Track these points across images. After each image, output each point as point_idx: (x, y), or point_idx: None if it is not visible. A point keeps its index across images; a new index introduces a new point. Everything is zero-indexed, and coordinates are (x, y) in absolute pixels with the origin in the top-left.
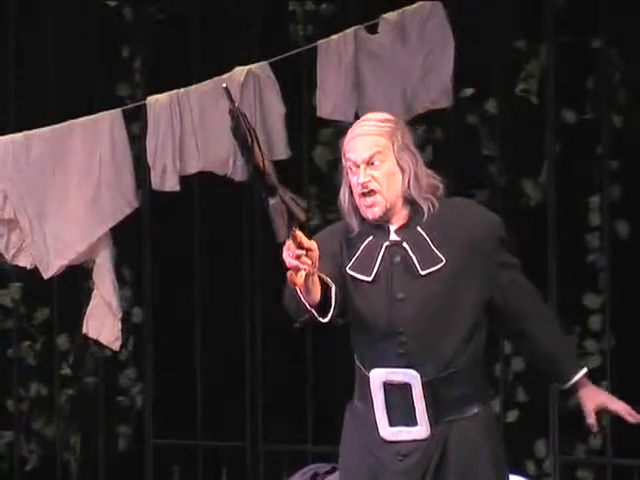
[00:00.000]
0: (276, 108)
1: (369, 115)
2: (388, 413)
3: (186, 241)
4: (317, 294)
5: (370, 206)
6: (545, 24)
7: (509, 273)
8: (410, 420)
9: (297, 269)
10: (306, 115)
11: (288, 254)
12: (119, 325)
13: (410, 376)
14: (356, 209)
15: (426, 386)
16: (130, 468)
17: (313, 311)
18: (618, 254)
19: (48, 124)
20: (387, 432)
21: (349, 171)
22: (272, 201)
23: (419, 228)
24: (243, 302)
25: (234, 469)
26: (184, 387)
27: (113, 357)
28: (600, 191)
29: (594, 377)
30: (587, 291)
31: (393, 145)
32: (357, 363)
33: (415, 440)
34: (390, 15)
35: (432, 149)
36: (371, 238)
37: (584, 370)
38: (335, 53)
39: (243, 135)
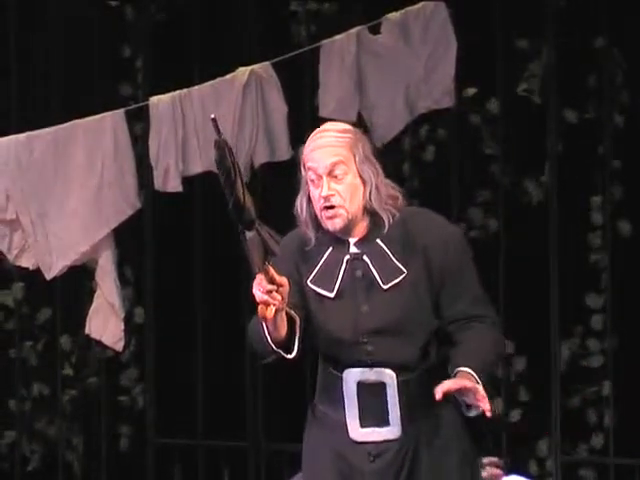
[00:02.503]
0: (278, 108)
1: (327, 125)
2: (360, 414)
3: (188, 241)
4: (284, 329)
5: (331, 217)
6: (547, 24)
7: (454, 287)
8: (382, 420)
9: (267, 304)
10: (308, 115)
11: (259, 289)
12: (122, 326)
13: (385, 375)
14: (313, 219)
15: (400, 385)
16: (132, 468)
17: (280, 351)
18: (620, 253)
19: (50, 125)
20: (357, 433)
21: (310, 183)
22: (249, 235)
23: (379, 240)
24: (244, 302)
25: (236, 469)
26: (186, 387)
27: (115, 357)
28: (602, 190)
29: (596, 376)
30: (589, 291)
31: (355, 157)
32: (323, 365)
33: (386, 440)
34: (393, 15)
35: (435, 149)
36: (330, 250)
37: (465, 368)
38: (338, 53)
39: (227, 168)
